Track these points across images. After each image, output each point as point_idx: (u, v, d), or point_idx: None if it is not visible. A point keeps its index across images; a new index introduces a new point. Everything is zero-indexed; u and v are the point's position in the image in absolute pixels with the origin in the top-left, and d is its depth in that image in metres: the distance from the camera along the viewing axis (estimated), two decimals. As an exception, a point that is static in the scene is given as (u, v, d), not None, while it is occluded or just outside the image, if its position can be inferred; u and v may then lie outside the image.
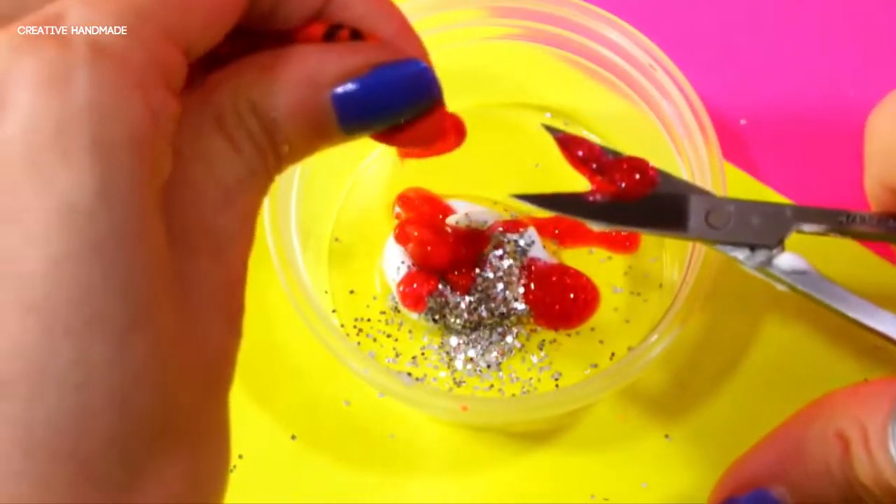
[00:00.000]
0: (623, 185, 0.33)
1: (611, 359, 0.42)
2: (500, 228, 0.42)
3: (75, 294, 0.19)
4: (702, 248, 0.37)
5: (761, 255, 0.32)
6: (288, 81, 0.24)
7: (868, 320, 0.31)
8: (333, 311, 0.43)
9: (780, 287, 0.32)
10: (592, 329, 0.42)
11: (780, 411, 0.40)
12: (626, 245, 0.44)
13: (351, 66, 0.24)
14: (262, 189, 0.24)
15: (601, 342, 0.42)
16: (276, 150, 0.24)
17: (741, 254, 0.32)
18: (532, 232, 0.42)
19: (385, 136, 0.26)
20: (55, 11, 0.20)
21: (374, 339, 0.42)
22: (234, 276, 0.23)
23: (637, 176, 0.33)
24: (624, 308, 0.43)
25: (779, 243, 0.32)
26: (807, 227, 0.32)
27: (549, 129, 0.35)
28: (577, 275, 0.42)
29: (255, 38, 0.25)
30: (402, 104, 0.25)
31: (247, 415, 0.42)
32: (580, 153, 0.34)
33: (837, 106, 0.47)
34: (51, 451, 0.18)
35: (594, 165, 0.34)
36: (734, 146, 0.45)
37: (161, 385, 0.20)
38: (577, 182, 0.45)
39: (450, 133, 0.29)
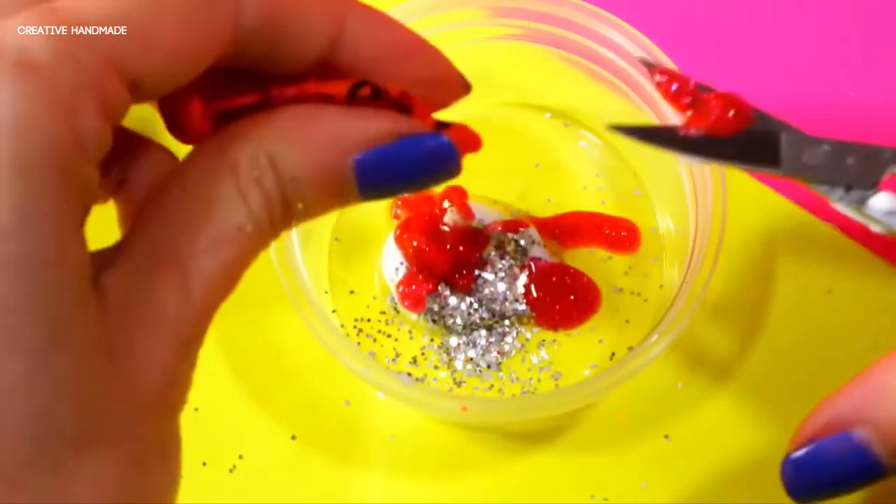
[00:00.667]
0: (717, 119, 0.32)
1: (611, 359, 0.42)
2: (500, 228, 0.42)
3: None
4: (702, 249, 0.37)
5: (856, 195, 0.31)
6: (312, 143, 0.24)
7: None
8: (333, 311, 0.43)
9: (875, 228, 0.31)
10: (592, 329, 0.42)
11: (780, 411, 0.40)
12: (626, 245, 0.44)
13: (375, 133, 0.24)
14: (261, 242, 0.24)
15: (601, 342, 0.42)
16: (289, 208, 0.24)
17: (835, 193, 0.31)
18: (532, 231, 0.42)
19: None
20: None
21: (374, 340, 0.42)
22: (197, 309, 0.22)
23: (731, 112, 0.32)
24: (624, 308, 0.43)
25: (874, 184, 0.31)
26: None
27: (645, 62, 0.35)
28: (578, 275, 0.42)
29: (267, 80, 0.24)
30: (423, 175, 0.25)
31: (247, 415, 0.42)
32: (674, 87, 0.34)
33: (838, 106, 0.47)
34: None
35: (687, 99, 0.33)
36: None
37: (85, 400, 0.20)
38: (576, 182, 0.45)
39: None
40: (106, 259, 0.22)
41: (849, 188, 0.31)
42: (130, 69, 0.21)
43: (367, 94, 0.25)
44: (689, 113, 0.33)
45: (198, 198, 0.22)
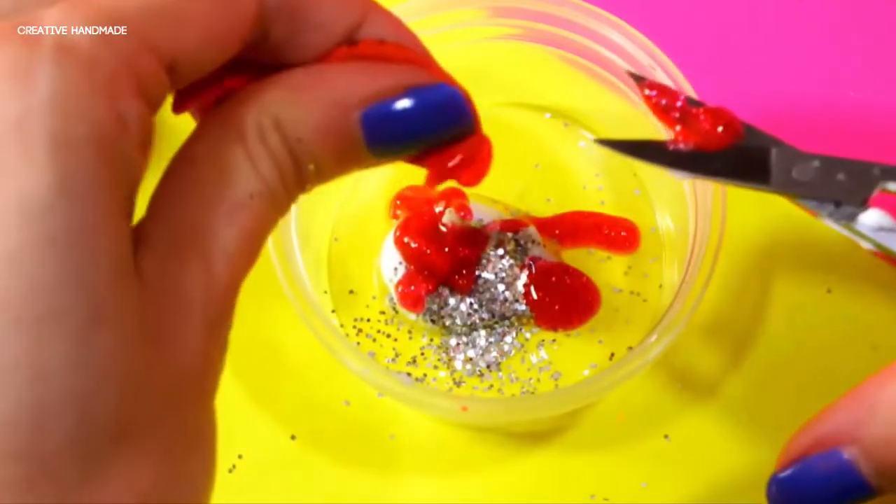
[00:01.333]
0: (706, 134, 0.32)
1: (611, 359, 0.42)
2: (499, 228, 0.42)
3: (28, 289, 0.18)
4: (701, 249, 0.37)
5: (845, 211, 0.31)
6: (316, 100, 0.23)
7: None
8: (333, 311, 0.43)
9: (865, 245, 0.31)
10: (592, 329, 0.42)
11: (780, 411, 0.40)
12: (625, 245, 0.44)
13: (381, 87, 0.24)
14: (276, 208, 0.23)
15: (601, 342, 0.42)
16: (299, 170, 0.23)
17: (825, 210, 0.31)
18: (532, 231, 0.42)
19: (417, 159, 0.26)
20: (34, 14, 0.20)
21: (374, 340, 0.42)
22: (222, 288, 0.22)
23: (721, 127, 0.32)
24: (624, 308, 0.43)
25: (864, 201, 0.31)
26: (893, 186, 0.31)
27: (633, 75, 0.35)
28: (578, 275, 0.42)
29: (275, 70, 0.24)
30: (433, 129, 0.25)
31: (247, 415, 0.42)
32: (663, 101, 0.34)
33: (838, 106, 0.47)
34: (5, 450, 0.18)
35: (676, 114, 0.33)
36: (734, 146, 0.45)
37: (125, 385, 0.19)
38: (576, 182, 0.45)
39: (486, 161, 0.28)
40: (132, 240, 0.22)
41: (838, 204, 0.31)
42: (166, 51, 0.21)
43: (372, 44, 0.24)
44: (678, 128, 0.33)
45: (208, 169, 0.22)
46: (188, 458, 0.21)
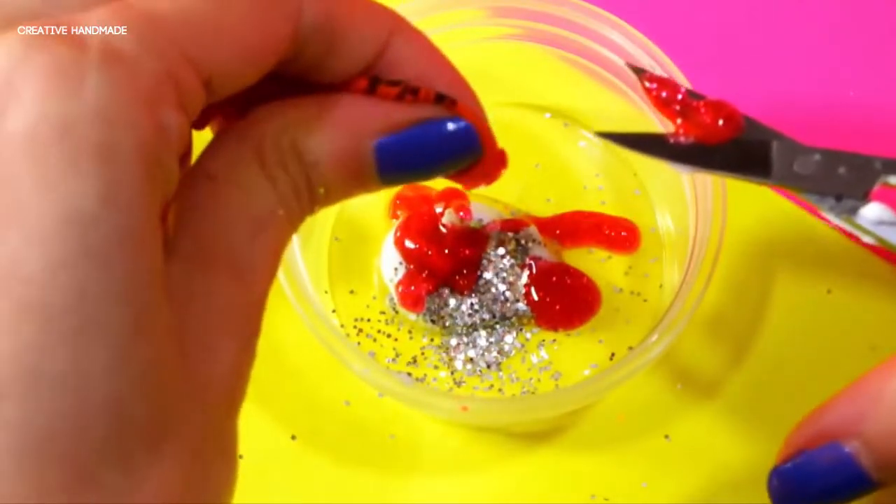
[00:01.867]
0: (707, 127, 0.32)
1: (611, 359, 0.42)
2: (500, 227, 0.42)
3: (73, 298, 0.18)
4: (702, 249, 0.37)
5: (846, 204, 0.31)
6: (333, 127, 0.24)
7: None
8: (333, 311, 0.43)
9: (866, 239, 0.31)
10: (592, 329, 0.42)
11: (779, 411, 0.40)
12: (625, 245, 0.44)
13: (396, 119, 0.24)
14: (292, 226, 0.24)
15: (601, 342, 0.42)
16: (312, 192, 0.24)
17: (826, 203, 0.31)
18: (533, 230, 0.42)
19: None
20: (77, 15, 0.20)
21: (374, 339, 0.42)
22: (252, 300, 0.22)
23: (721, 120, 0.32)
24: (624, 308, 0.43)
25: (865, 195, 0.31)
26: (895, 180, 0.31)
27: (634, 68, 0.35)
28: (578, 275, 0.42)
29: (301, 88, 0.25)
30: (443, 160, 0.25)
31: (247, 415, 0.41)
32: (664, 94, 0.34)
33: (838, 106, 0.47)
34: (46, 454, 0.18)
35: (677, 107, 0.33)
36: (734, 146, 0.45)
37: (161, 393, 0.20)
38: (576, 182, 0.45)
39: (498, 169, 0.29)
40: None
41: (839, 198, 0.31)
42: (204, 65, 0.21)
43: (390, 92, 0.24)
44: (679, 121, 0.33)
45: (229, 186, 0.23)
46: (215, 464, 0.22)
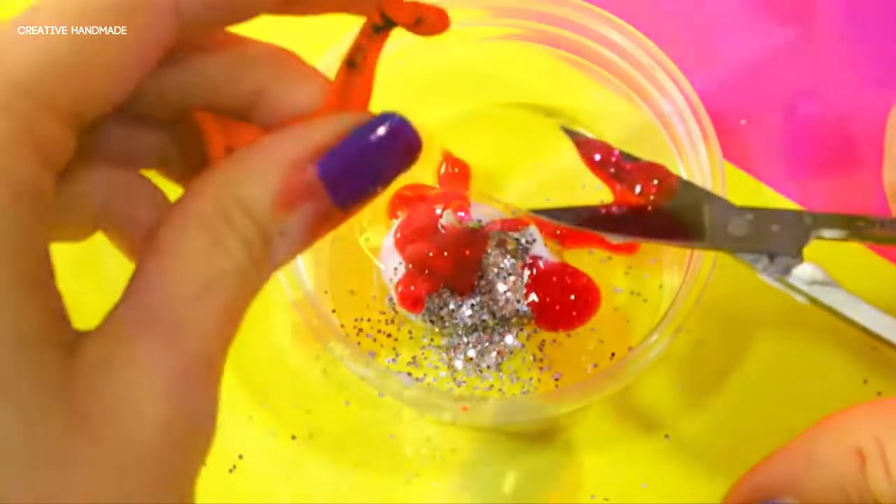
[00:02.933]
0: (641, 192, 0.32)
1: (611, 359, 0.41)
2: (500, 227, 0.42)
3: None
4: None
5: (780, 264, 0.31)
6: (269, 167, 0.23)
7: (890, 335, 0.30)
8: (333, 311, 0.43)
9: (800, 299, 0.31)
10: (592, 329, 0.42)
11: (779, 411, 0.40)
12: (626, 246, 0.44)
13: (327, 135, 0.23)
14: (251, 283, 0.23)
15: (601, 342, 0.42)
16: (268, 242, 0.23)
17: (760, 264, 0.32)
18: (533, 230, 0.42)
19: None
20: None
21: (374, 339, 0.42)
22: (192, 364, 0.21)
23: (656, 182, 0.32)
24: (624, 308, 0.43)
25: (799, 252, 0.31)
26: (827, 234, 0.32)
27: (568, 131, 0.35)
28: (579, 275, 0.42)
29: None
30: (389, 160, 0.24)
31: (247, 415, 0.42)
32: (598, 157, 0.34)
33: (838, 106, 0.47)
34: None
35: (612, 170, 0.33)
36: (734, 146, 0.45)
37: (37, 466, 0.19)
38: (576, 181, 0.45)
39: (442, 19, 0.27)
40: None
41: (773, 257, 0.31)
42: (68, 106, 0.20)
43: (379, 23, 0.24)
44: (618, 187, 0.33)
45: (173, 256, 0.22)
46: None
